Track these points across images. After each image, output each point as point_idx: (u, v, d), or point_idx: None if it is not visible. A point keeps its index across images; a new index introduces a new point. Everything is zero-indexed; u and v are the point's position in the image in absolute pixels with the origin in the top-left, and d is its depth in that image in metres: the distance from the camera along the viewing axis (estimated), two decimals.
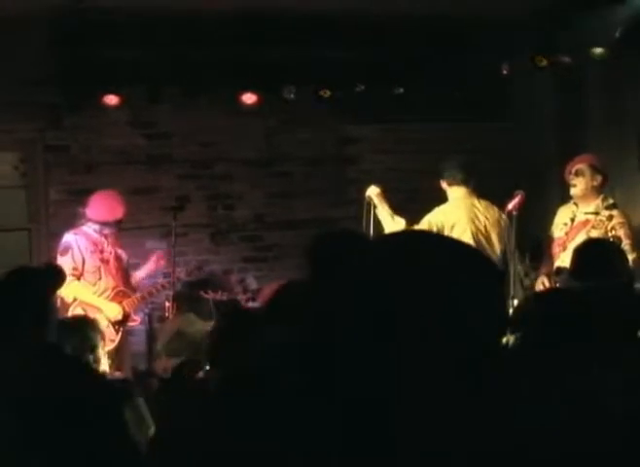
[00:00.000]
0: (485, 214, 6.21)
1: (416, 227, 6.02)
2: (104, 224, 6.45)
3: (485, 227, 6.16)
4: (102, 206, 6.49)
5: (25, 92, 6.99)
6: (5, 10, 6.35)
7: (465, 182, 6.21)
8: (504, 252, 6.24)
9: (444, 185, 6.26)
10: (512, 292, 5.88)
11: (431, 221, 6.09)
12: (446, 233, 6.07)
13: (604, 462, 2.00)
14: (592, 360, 2.58)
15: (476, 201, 6.23)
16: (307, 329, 1.49)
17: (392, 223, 6.08)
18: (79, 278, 6.34)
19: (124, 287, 6.56)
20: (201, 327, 4.96)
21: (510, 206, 5.97)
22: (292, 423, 1.38)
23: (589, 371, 2.45)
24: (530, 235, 6.87)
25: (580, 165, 6.12)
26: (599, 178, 6.05)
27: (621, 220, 5.89)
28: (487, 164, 7.49)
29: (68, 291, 6.19)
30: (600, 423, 2.15)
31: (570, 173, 6.12)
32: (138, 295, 6.62)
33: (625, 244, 5.66)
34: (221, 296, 6.97)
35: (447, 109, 7.77)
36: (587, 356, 2.60)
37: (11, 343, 2.95)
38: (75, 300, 6.33)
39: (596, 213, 5.96)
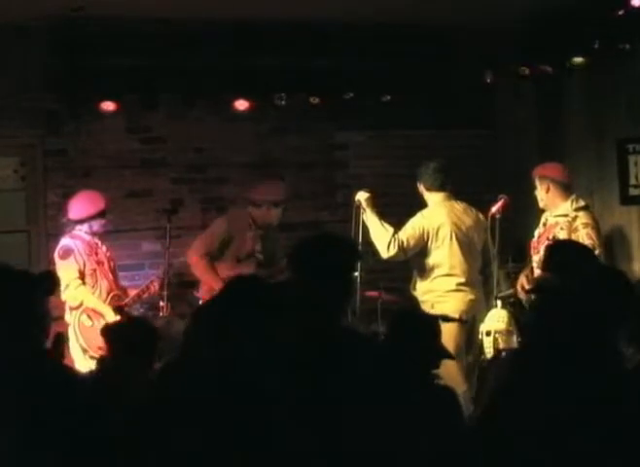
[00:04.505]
0: (465, 216, 6.30)
1: (401, 232, 6.17)
2: (92, 218, 6.41)
3: (467, 228, 6.26)
4: (82, 203, 6.47)
5: (26, 100, 7.10)
6: (5, 19, 6.49)
7: (442, 186, 6.30)
8: (485, 252, 6.36)
9: (422, 190, 6.36)
10: (494, 292, 6.06)
11: (415, 225, 6.18)
12: (431, 236, 6.21)
13: None
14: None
15: (454, 204, 6.33)
16: None
17: (382, 229, 6.13)
18: (83, 281, 6.31)
19: (117, 290, 6.55)
20: (182, 328, 5.00)
21: (493, 210, 6.06)
22: None
23: None
24: (513, 238, 7.03)
25: (534, 178, 6.24)
26: (546, 185, 6.12)
27: (584, 221, 5.97)
28: (471, 170, 7.64)
29: (76, 294, 6.22)
30: None
31: None
32: (130, 298, 6.62)
33: (587, 244, 5.81)
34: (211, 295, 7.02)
35: (432, 116, 7.87)
36: None
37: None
38: (80, 304, 6.29)
39: (565, 215, 6.04)
